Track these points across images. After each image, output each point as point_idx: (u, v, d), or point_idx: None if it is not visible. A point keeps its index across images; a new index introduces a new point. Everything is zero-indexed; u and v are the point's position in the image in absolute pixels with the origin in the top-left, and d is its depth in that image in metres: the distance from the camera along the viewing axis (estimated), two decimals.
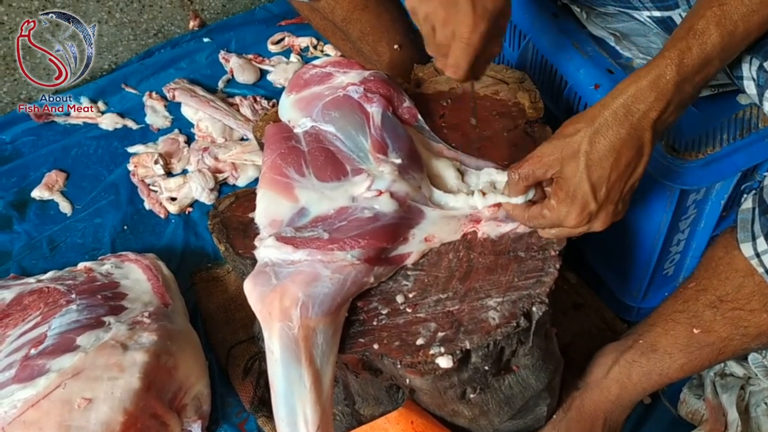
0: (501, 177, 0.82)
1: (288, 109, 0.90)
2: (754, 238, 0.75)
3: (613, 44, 0.95)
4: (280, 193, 0.80)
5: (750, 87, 0.74)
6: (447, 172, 0.85)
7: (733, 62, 0.73)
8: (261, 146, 0.96)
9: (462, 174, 0.85)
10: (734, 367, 1.03)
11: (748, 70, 0.73)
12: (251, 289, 0.72)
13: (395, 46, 1.11)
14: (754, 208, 0.76)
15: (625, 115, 0.68)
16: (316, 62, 0.93)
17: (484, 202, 0.80)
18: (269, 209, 0.80)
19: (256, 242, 0.78)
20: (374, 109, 0.86)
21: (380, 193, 0.78)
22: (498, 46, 0.79)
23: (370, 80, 0.89)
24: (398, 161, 0.81)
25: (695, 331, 0.82)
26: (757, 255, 0.75)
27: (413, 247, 0.79)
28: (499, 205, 0.79)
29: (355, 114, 0.86)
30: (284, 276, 0.72)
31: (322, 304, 0.71)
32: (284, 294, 0.70)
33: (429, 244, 0.80)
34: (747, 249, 0.76)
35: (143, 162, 1.41)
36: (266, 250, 0.75)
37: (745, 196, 0.87)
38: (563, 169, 0.71)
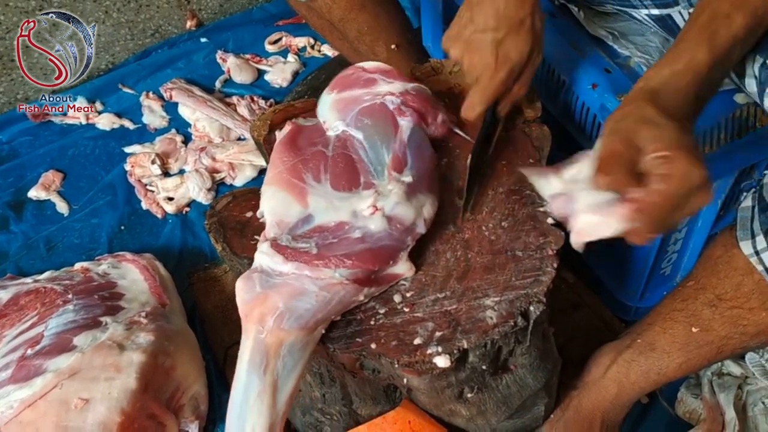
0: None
1: (327, 108, 0.89)
2: (753, 236, 0.75)
3: (611, 43, 0.95)
4: (293, 196, 0.79)
5: (751, 84, 0.74)
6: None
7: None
8: (258, 146, 0.96)
9: None
10: (731, 367, 1.03)
11: (751, 68, 0.73)
12: (239, 289, 0.72)
13: (392, 46, 1.11)
14: (753, 206, 0.76)
15: (667, 93, 0.66)
16: (365, 65, 0.91)
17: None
18: (278, 210, 0.79)
19: (259, 244, 0.77)
20: (405, 123, 0.85)
21: (375, 210, 0.78)
22: (523, 89, 0.83)
23: (409, 93, 0.87)
24: (408, 179, 0.80)
25: (694, 329, 0.82)
26: (757, 253, 0.75)
27: (403, 269, 0.77)
28: None
29: (386, 125, 0.85)
30: (270, 286, 0.71)
31: (300, 318, 0.70)
32: (265, 301, 0.70)
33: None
34: (746, 247, 0.76)
35: (140, 162, 1.40)
36: (260, 255, 0.75)
37: (744, 194, 0.87)
38: (646, 135, 0.62)
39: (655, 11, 0.89)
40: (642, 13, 0.90)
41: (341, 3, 1.05)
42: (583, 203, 0.68)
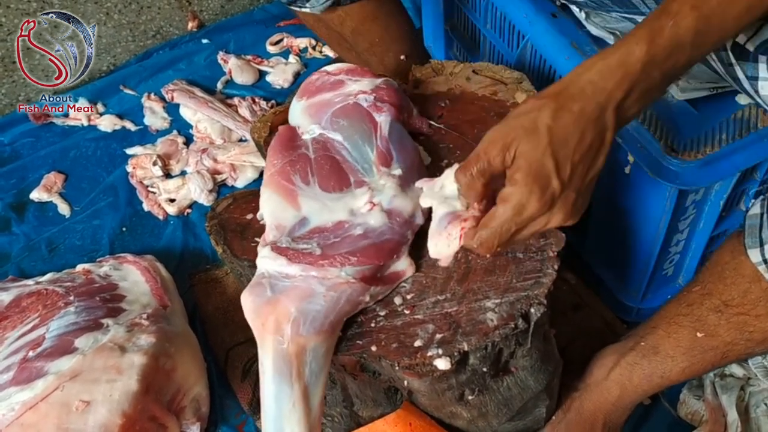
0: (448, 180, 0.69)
1: (298, 114, 0.89)
2: (762, 244, 0.75)
3: (612, 44, 0.95)
4: (285, 199, 0.80)
5: (765, 88, 0.72)
6: None
7: (748, 62, 0.71)
8: (259, 147, 0.96)
9: None
10: (734, 368, 1.03)
11: (765, 71, 0.71)
12: (247, 300, 0.72)
13: (402, 57, 1.11)
14: (762, 214, 0.76)
15: (591, 92, 0.61)
16: (328, 68, 0.92)
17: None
18: (276, 213, 0.79)
19: (259, 249, 0.77)
20: (382, 119, 0.85)
21: (373, 206, 0.78)
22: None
23: (381, 88, 0.88)
24: (398, 172, 0.81)
25: (699, 334, 0.82)
26: (765, 261, 0.75)
27: (405, 265, 0.78)
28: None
29: (363, 123, 0.85)
30: (280, 290, 0.72)
31: (314, 321, 0.70)
32: (277, 308, 0.70)
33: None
34: (754, 255, 0.76)
35: (142, 163, 1.41)
36: (262, 260, 0.74)
37: (753, 201, 0.87)
38: (522, 148, 0.61)
39: None
40: None
41: (354, 16, 1.03)
42: (435, 217, 0.68)
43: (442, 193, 0.69)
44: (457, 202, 0.67)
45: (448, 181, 0.68)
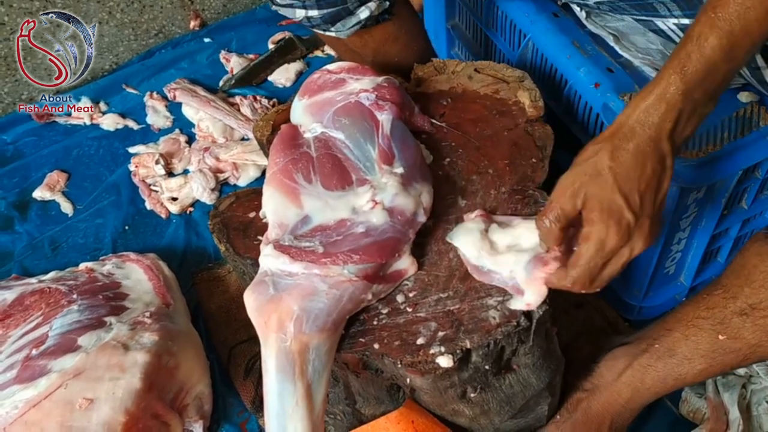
0: (527, 232, 0.75)
1: (300, 113, 0.90)
2: None
3: (612, 44, 0.95)
4: (287, 197, 0.80)
5: None
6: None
7: None
8: (261, 146, 0.96)
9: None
10: None
11: None
12: (250, 298, 0.72)
13: None
14: None
15: (641, 128, 0.68)
16: (330, 67, 0.92)
17: (524, 271, 0.73)
18: (278, 211, 0.79)
19: (261, 247, 0.77)
20: (384, 117, 0.85)
21: (375, 204, 0.78)
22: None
23: (383, 87, 0.88)
24: (400, 170, 0.81)
25: (720, 337, 0.81)
26: None
27: (407, 264, 0.78)
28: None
29: (365, 122, 0.85)
30: (282, 288, 0.72)
31: (317, 320, 0.70)
32: (279, 305, 0.70)
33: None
34: None
35: (144, 162, 1.41)
36: (265, 259, 0.75)
37: None
38: (591, 191, 0.68)
39: (685, 21, 0.85)
40: (670, 23, 0.87)
41: (376, 37, 1.02)
42: (519, 268, 0.73)
43: (519, 246, 0.75)
44: (534, 251, 0.74)
45: (524, 231, 0.75)
